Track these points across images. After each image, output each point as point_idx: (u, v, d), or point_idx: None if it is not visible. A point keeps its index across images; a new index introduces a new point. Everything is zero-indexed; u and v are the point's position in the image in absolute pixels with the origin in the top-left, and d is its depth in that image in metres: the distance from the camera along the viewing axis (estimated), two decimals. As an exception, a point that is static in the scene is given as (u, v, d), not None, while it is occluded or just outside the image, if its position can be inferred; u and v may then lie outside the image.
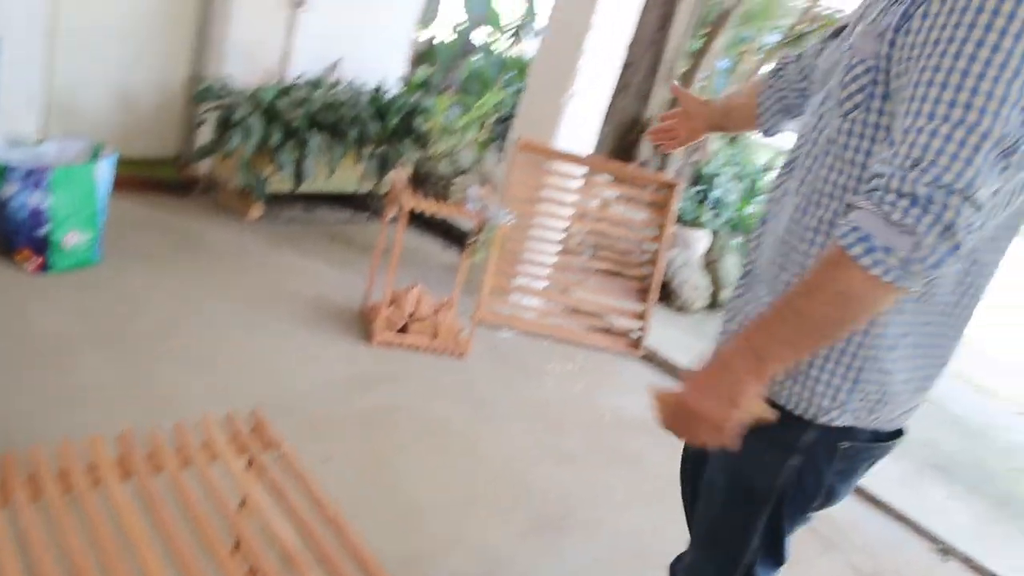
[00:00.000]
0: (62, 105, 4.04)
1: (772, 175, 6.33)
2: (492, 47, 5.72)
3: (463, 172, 3.30)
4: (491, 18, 5.74)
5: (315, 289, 3.76)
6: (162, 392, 2.70)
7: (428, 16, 5.92)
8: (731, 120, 1.86)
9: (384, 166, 4.32)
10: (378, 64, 4.85)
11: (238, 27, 4.25)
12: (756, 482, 1.41)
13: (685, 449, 1.64)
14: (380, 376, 3.20)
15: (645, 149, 5.21)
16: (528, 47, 6.18)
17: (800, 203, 1.30)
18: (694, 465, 1.60)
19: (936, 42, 1.07)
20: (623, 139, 5.23)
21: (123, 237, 3.67)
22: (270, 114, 3.98)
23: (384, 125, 4.36)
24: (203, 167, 4.40)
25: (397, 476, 2.63)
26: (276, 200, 4.36)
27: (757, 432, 1.28)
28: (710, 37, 5.41)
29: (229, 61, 4.29)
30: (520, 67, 5.77)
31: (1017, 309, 8.51)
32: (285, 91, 4.16)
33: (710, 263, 5.08)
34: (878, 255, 1.05)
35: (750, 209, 5.43)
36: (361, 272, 3.95)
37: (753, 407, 1.20)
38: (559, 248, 4.17)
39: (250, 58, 4.35)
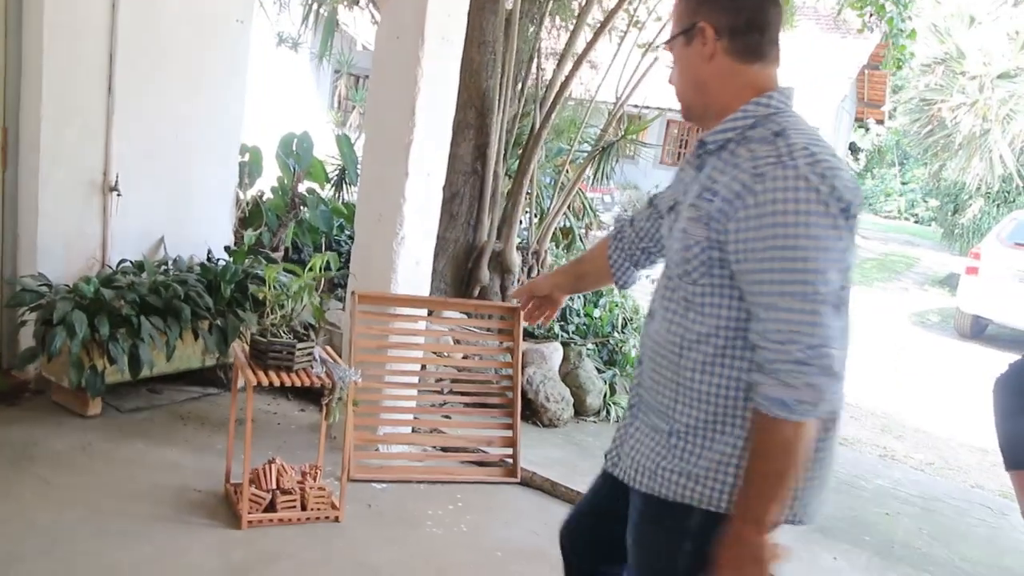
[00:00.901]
0: None
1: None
2: (319, 198, 5.77)
3: (304, 337, 3.26)
4: (315, 170, 5.81)
5: (172, 478, 3.55)
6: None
7: (252, 175, 5.92)
8: (585, 282, 2.27)
9: (225, 338, 4.21)
10: (203, 235, 4.77)
11: (48, 221, 4.10)
12: (663, 570, 1.68)
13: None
14: (255, 562, 3.02)
15: (483, 275, 5.33)
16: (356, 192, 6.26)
17: (674, 348, 1.63)
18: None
19: (764, 238, 1.43)
20: (461, 269, 5.33)
21: (-54, 465, 3.38)
22: (95, 306, 3.82)
23: (219, 296, 4.27)
24: (32, 370, 4.14)
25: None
26: (117, 389, 4.15)
27: (653, 526, 1.66)
28: (526, 157, 5.66)
29: (44, 257, 4.11)
30: (351, 213, 5.83)
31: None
32: (108, 280, 4.01)
33: (569, 372, 5.17)
34: (796, 409, 1.42)
35: (596, 312, 5.60)
36: (219, 451, 3.77)
37: (772, 553, 1.52)
38: (417, 391, 4.15)
39: (66, 251, 4.18)
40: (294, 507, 3.32)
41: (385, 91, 3.92)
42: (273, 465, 3.39)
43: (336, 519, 3.38)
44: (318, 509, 3.36)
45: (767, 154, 1.46)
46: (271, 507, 3.29)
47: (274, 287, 3.48)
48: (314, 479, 3.45)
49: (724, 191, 1.50)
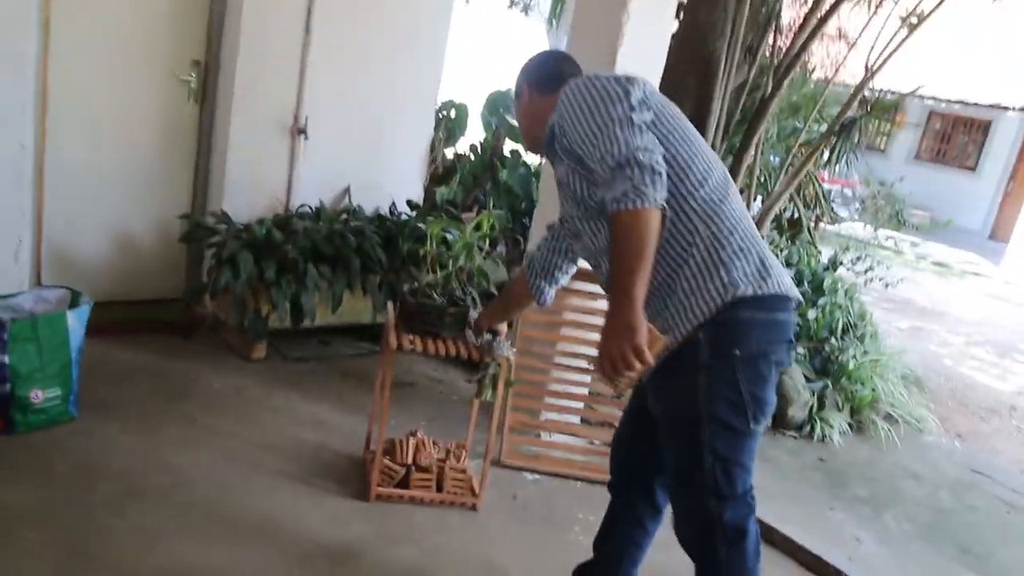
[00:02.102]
0: (55, 252, 3.85)
1: (837, 273, 5.81)
2: (519, 160, 5.44)
3: (460, 301, 2.92)
4: (518, 131, 5.47)
5: (315, 435, 3.37)
6: (101, 580, 2.31)
7: (455, 132, 5.71)
8: (511, 310, 2.79)
9: (395, 295, 3.98)
10: (390, 187, 4.59)
11: (238, 160, 4.05)
12: (686, 409, 1.93)
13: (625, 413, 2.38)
14: (373, 540, 2.75)
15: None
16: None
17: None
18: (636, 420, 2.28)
19: (571, 124, 1.95)
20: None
21: (110, 387, 3.39)
22: (266, 248, 3.71)
23: (395, 252, 4.05)
24: (210, 306, 4.13)
25: None
26: (286, 336, 4.06)
27: (667, 369, 1.91)
28: (748, 133, 5.02)
29: (230, 195, 4.07)
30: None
31: None
32: (283, 223, 3.90)
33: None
34: (623, 200, 1.78)
35: (812, 314, 4.89)
36: (369, 414, 3.55)
37: (644, 328, 1.76)
38: (591, 377, 3.71)
39: (252, 190, 4.13)
40: (429, 487, 3.02)
41: (586, 38, 3.48)
42: (413, 438, 3.11)
43: (473, 507, 3.04)
44: (455, 493, 3.04)
45: None
46: (404, 483, 3.00)
47: (437, 244, 3.18)
48: (458, 459, 3.13)
49: (559, 141, 2.03)
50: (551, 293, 2.54)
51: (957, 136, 16.55)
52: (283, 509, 2.82)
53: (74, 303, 3.17)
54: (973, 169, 16.19)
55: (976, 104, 14.17)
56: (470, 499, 3.05)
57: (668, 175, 1.85)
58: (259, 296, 3.72)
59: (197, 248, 4.06)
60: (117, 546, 2.46)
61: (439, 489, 3.03)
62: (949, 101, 14.05)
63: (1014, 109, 13.86)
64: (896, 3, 5.55)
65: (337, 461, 3.20)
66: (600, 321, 3.65)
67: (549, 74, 2.23)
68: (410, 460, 3.02)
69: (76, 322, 3.09)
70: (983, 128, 16.06)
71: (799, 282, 5.27)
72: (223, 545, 2.57)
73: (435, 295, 2.95)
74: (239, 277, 3.54)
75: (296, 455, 3.18)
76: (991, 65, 13.75)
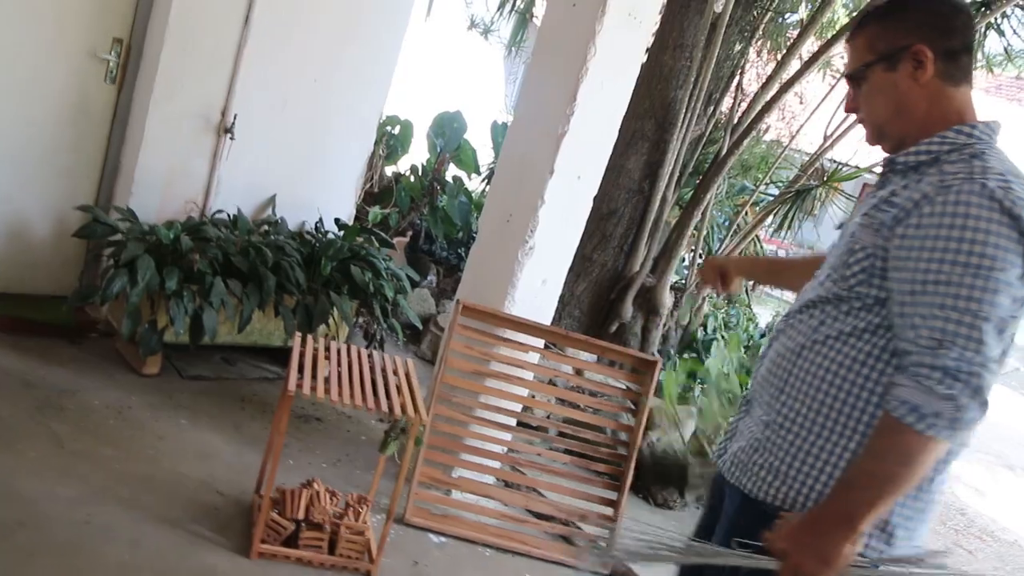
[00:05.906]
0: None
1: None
2: (461, 188, 5.15)
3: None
4: (464, 156, 5.21)
5: (199, 471, 2.99)
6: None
7: (396, 151, 5.40)
8: (776, 278, 2.26)
9: (311, 320, 3.64)
10: (320, 203, 4.23)
11: (151, 151, 3.67)
12: None
13: None
14: (248, 608, 2.40)
15: (626, 311, 4.55)
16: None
17: (796, 347, 1.57)
18: None
19: (934, 247, 1.37)
20: (602, 298, 4.58)
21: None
22: (172, 255, 3.33)
23: (316, 273, 3.71)
24: (104, 310, 3.72)
25: None
26: (186, 352, 3.66)
27: (742, 522, 1.57)
28: (703, 186, 4.84)
29: (140, 191, 3.68)
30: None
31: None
32: (194, 229, 3.53)
33: (702, 448, 4.30)
34: (929, 420, 1.34)
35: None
36: (264, 450, 3.19)
37: (843, 561, 1.39)
38: (511, 433, 3.42)
39: (165, 189, 3.75)
40: (320, 548, 2.67)
41: (547, 69, 3.24)
42: (308, 489, 2.76)
43: (368, 573, 2.71)
44: (349, 556, 2.70)
45: (958, 171, 1.41)
46: (292, 541, 2.65)
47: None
48: (357, 516, 2.79)
49: (903, 202, 1.44)
50: None
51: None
52: (148, 560, 2.44)
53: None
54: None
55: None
56: (365, 564, 2.71)
57: None
58: (157, 307, 3.34)
59: (97, 245, 3.65)
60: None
61: (331, 551, 2.68)
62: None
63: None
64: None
65: (220, 504, 2.83)
66: (528, 376, 3.40)
67: (969, 48, 1.51)
68: (301, 515, 2.67)
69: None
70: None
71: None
72: (68, 602, 2.19)
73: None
74: (136, 284, 3.15)
75: (174, 494, 2.80)
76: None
